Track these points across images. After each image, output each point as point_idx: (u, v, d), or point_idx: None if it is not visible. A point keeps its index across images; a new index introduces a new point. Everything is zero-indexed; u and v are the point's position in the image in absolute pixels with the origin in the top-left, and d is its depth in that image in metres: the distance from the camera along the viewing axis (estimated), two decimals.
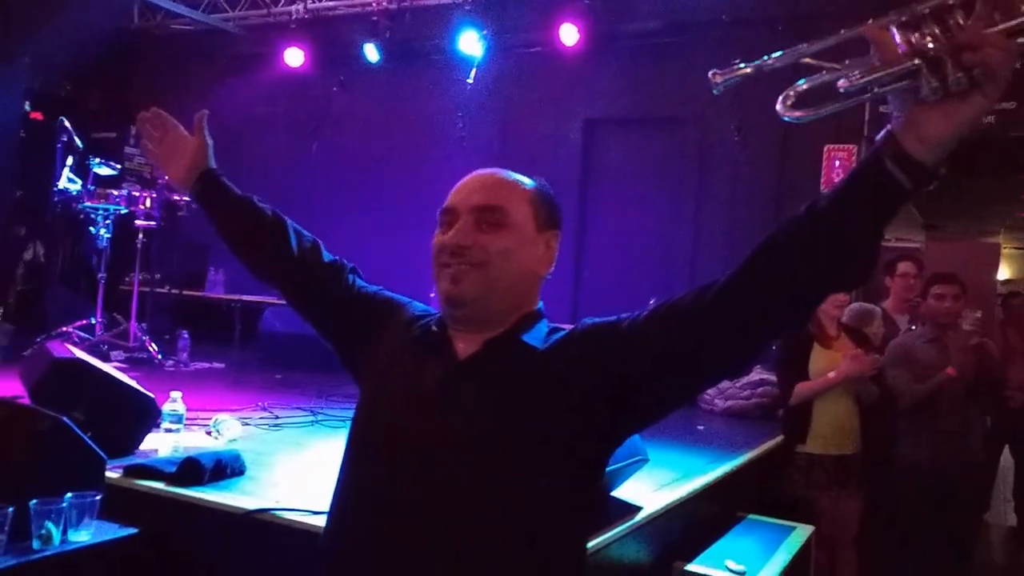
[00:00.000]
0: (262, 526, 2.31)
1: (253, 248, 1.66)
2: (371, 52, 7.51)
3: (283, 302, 1.71)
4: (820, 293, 1.17)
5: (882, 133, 1.05)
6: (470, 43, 7.06)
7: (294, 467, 3.07)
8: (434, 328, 1.42)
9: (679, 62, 6.53)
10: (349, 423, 1.45)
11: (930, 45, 0.99)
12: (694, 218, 6.78)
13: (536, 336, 1.38)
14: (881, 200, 1.05)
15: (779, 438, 4.20)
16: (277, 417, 3.91)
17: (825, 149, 6.29)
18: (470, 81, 7.22)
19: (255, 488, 2.60)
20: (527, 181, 1.44)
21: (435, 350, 1.39)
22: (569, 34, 6.69)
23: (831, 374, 3.86)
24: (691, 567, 2.85)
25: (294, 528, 2.27)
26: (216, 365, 5.96)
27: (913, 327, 4.49)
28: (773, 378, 4.92)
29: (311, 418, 3.96)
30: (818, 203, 1.10)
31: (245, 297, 7.51)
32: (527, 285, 1.42)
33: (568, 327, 1.40)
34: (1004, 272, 12.00)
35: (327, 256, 1.63)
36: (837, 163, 6.30)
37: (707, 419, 5.13)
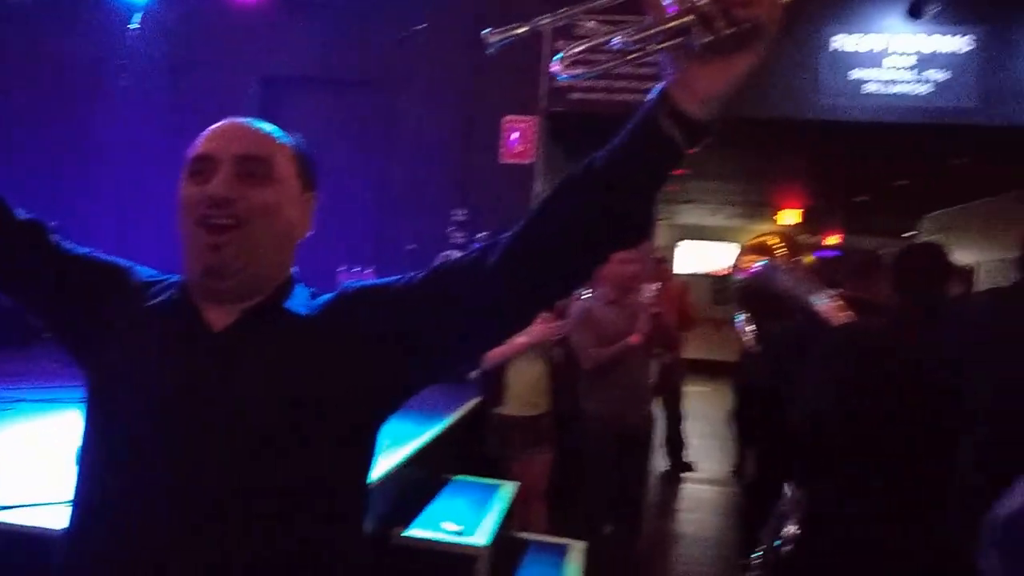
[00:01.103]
0: None
1: None
2: None
3: None
4: (600, 252, 1.14)
5: (654, 91, 1.05)
6: None
7: None
8: (177, 297, 1.22)
9: (365, 22, 6.39)
10: (85, 409, 1.23)
11: (702, 2, 0.99)
12: (379, 180, 6.69)
13: (298, 302, 1.24)
14: (657, 157, 1.05)
15: (477, 400, 4.29)
16: None
17: (504, 120, 6.51)
18: (134, 27, 6.51)
19: None
20: (286, 136, 1.29)
21: (182, 323, 1.20)
22: None
23: (517, 339, 3.99)
24: (409, 532, 2.81)
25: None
26: None
27: (590, 292, 4.76)
28: None
29: None
30: (594, 163, 1.08)
31: None
32: (288, 249, 1.27)
33: (331, 293, 1.28)
34: (657, 240, 13.27)
35: (19, 213, 1.30)
36: (516, 134, 6.55)
37: None
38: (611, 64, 1.07)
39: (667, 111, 1.02)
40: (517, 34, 1.09)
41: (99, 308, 1.26)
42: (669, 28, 1.00)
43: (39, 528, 1.99)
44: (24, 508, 2.07)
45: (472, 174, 6.61)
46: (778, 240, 3.51)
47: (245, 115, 1.29)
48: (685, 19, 1.00)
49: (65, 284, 1.29)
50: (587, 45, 1.06)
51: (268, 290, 1.23)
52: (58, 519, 2.00)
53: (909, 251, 2.95)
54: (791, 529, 2.73)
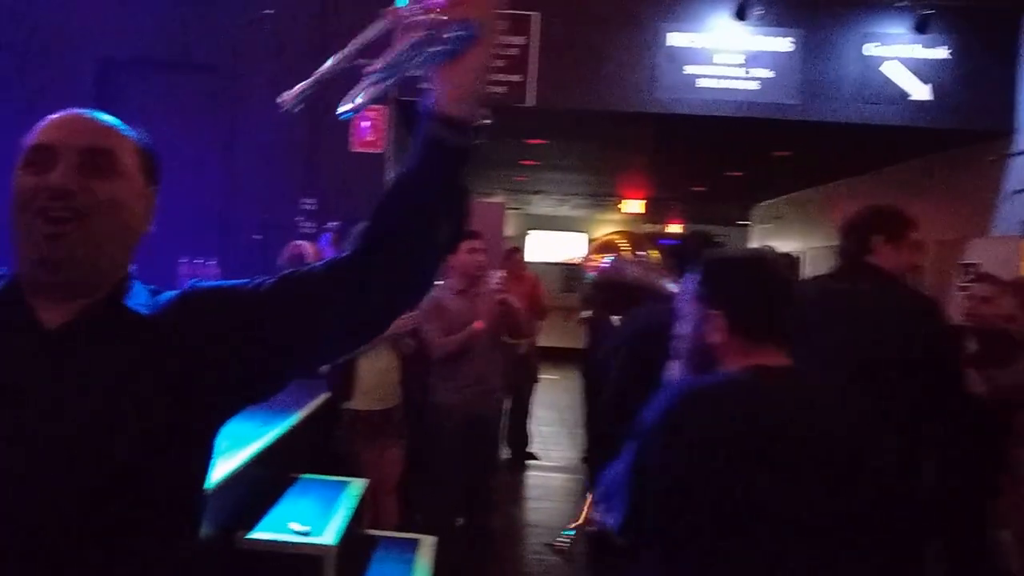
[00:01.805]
0: None
1: None
2: None
3: None
4: (430, 258, 1.19)
5: (424, 102, 1.13)
6: None
7: None
8: (6, 292, 1.16)
9: (211, 5, 6.16)
10: None
11: (429, 17, 1.09)
12: (226, 167, 6.46)
13: (138, 300, 1.20)
14: (445, 162, 1.13)
15: (326, 395, 4.23)
16: None
17: None
18: None
19: None
20: (129, 130, 1.25)
21: (12, 319, 1.14)
22: None
23: None
24: (254, 535, 2.74)
25: None
26: None
27: (439, 282, 4.79)
28: None
29: None
30: (403, 177, 1.16)
31: None
32: (129, 244, 1.22)
33: (173, 291, 1.25)
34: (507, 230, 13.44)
35: None
36: (368, 123, 6.48)
37: None
38: (380, 91, 1.13)
39: (435, 118, 1.11)
40: (309, 89, 1.16)
41: None
42: (409, 46, 1.10)
43: None
44: None
45: (322, 162, 6.50)
46: (622, 237, 3.65)
47: (82, 98, 1.24)
48: (421, 34, 1.09)
49: None
50: (360, 91, 1.13)
51: (105, 287, 1.18)
52: None
53: (683, 239, 3.14)
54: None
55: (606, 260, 3.54)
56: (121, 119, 1.25)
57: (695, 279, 1.72)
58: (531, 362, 7.36)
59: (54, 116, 1.20)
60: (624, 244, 3.55)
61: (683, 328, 1.73)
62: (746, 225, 14.99)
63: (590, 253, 3.48)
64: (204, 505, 1.25)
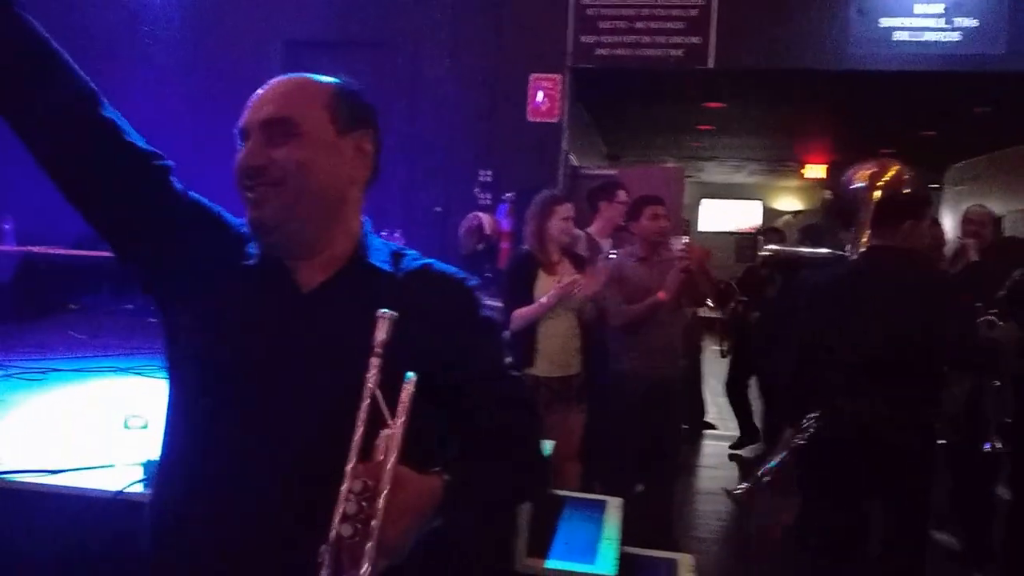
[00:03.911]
0: None
1: (60, 97, 1.19)
2: None
3: None
4: None
5: None
6: None
7: (1, 426, 2.64)
8: (268, 255, 1.24)
9: None
10: (169, 362, 1.25)
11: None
12: (405, 143, 6.66)
13: (382, 258, 1.26)
14: None
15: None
16: None
17: (531, 77, 6.44)
18: None
19: None
20: (324, 80, 1.28)
21: (273, 281, 1.22)
22: None
23: (543, 299, 3.97)
24: None
25: (26, 492, 2.02)
26: None
27: (616, 251, 4.73)
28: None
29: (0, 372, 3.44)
30: None
31: None
32: (340, 198, 1.25)
33: (421, 258, 1.30)
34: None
35: (141, 143, 1.26)
36: (541, 92, 6.48)
37: None
38: None
39: None
40: None
41: (193, 254, 1.25)
42: None
43: (87, 489, 2.04)
44: (70, 472, 2.12)
45: (498, 134, 6.57)
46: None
47: (268, 80, 1.28)
48: None
49: (171, 223, 1.26)
50: None
51: (337, 239, 1.24)
52: (104, 481, 2.06)
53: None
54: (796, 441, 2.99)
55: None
56: None
57: None
58: (696, 331, 7.17)
59: (254, 94, 1.26)
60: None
61: None
62: (937, 188, 14.01)
63: (861, 171, 3.28)
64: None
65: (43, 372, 3.48)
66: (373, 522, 0.99)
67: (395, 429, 1.03)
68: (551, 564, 2.42)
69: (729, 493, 4.20)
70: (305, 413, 1.14)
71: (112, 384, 3.43)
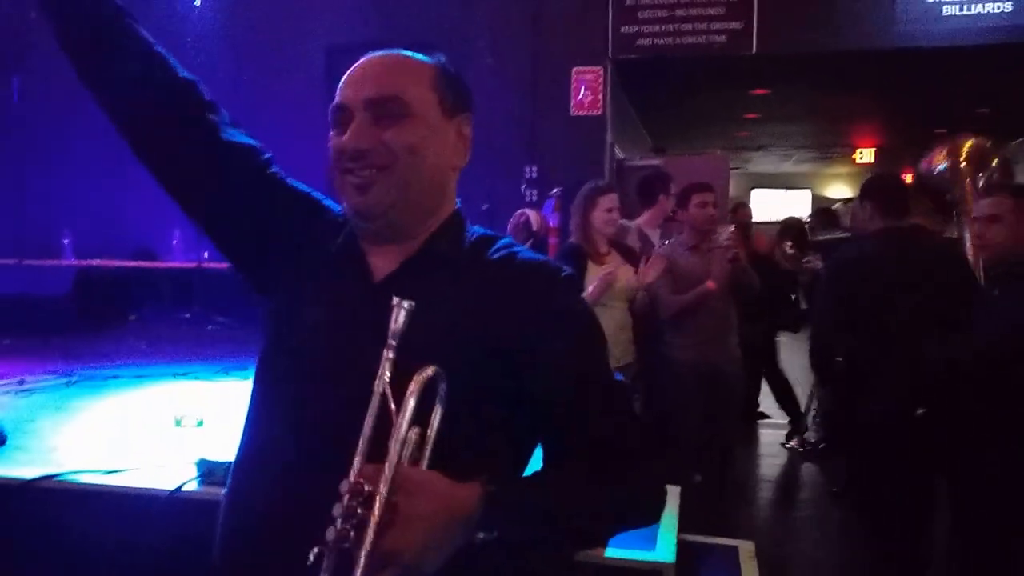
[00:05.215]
0: (45, 494, 2.08)
1: (170, 93, 1.26)
2: None
3: None
4: None
5: None
6: None
7: (66, 430, 2.73)
8: (349, 240, 1.20)
9: None
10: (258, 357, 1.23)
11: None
12: None
13: (461, 244, 1.20)
14: None
15: None
16: (23, 382, 3.52)
17: (573, 71, 6.42)
18: (197, 3, 6.60)
19: (26, 457, 2.36)
20: (425, 59, 1.22)
21: (350, 268, 1.18)
22: None
23: (589, 289, 3.94)
24: None
25: (88, 491, 2.07)
26: None
27: (665, 242, 4.68)
28: None
29: (65, 380, 3.56)
30: None
31: None
32: (443, 182, 1.21)
33: (513, 246, 1.21)
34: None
35: (241, 130, 1.28)
36: (584, 86, 6.46)
37: None
38: None
39: None
40: None
41: (292, 240, 1.24)
42: None
43: (147, 489, 2.09)
44: (129, 472, 2.18)
45: (541, 130, 6.55)
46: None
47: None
48: None
49: (273, 208, 1.25)
50: None
51: (429, 230, 1.18)
52: (163, 481, 2.10)
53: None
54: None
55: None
56: None
57: None
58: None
59: (351, 69, 1.20)
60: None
61: None
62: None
63: (937, 155, 3.31)
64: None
65: (104, 379, 3.58)
66: (369, 527, 0.90)
67: (402, 429, 0.94)
68: (610, 553, 2.40)
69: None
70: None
71: (169, 388, 3.51)
